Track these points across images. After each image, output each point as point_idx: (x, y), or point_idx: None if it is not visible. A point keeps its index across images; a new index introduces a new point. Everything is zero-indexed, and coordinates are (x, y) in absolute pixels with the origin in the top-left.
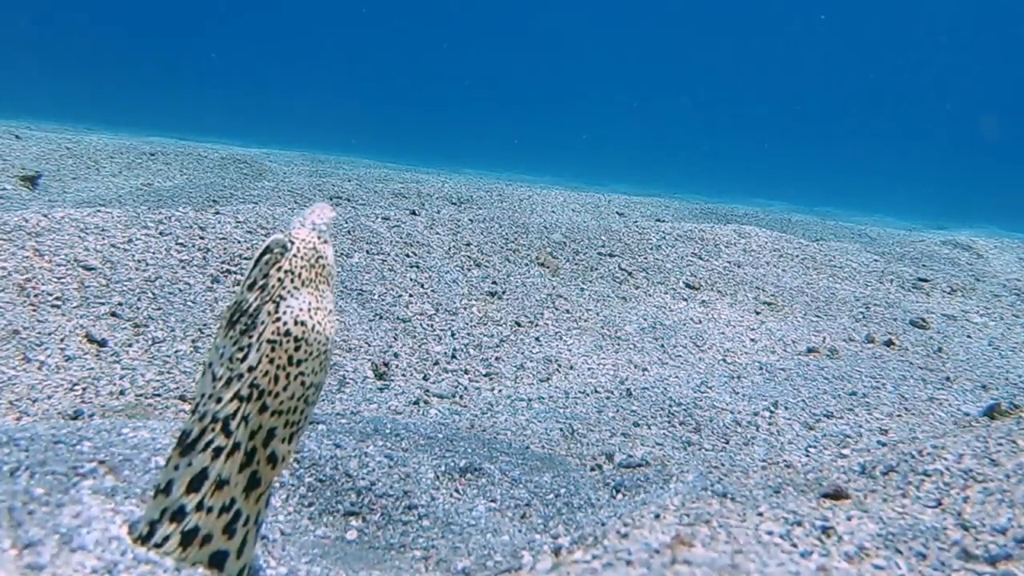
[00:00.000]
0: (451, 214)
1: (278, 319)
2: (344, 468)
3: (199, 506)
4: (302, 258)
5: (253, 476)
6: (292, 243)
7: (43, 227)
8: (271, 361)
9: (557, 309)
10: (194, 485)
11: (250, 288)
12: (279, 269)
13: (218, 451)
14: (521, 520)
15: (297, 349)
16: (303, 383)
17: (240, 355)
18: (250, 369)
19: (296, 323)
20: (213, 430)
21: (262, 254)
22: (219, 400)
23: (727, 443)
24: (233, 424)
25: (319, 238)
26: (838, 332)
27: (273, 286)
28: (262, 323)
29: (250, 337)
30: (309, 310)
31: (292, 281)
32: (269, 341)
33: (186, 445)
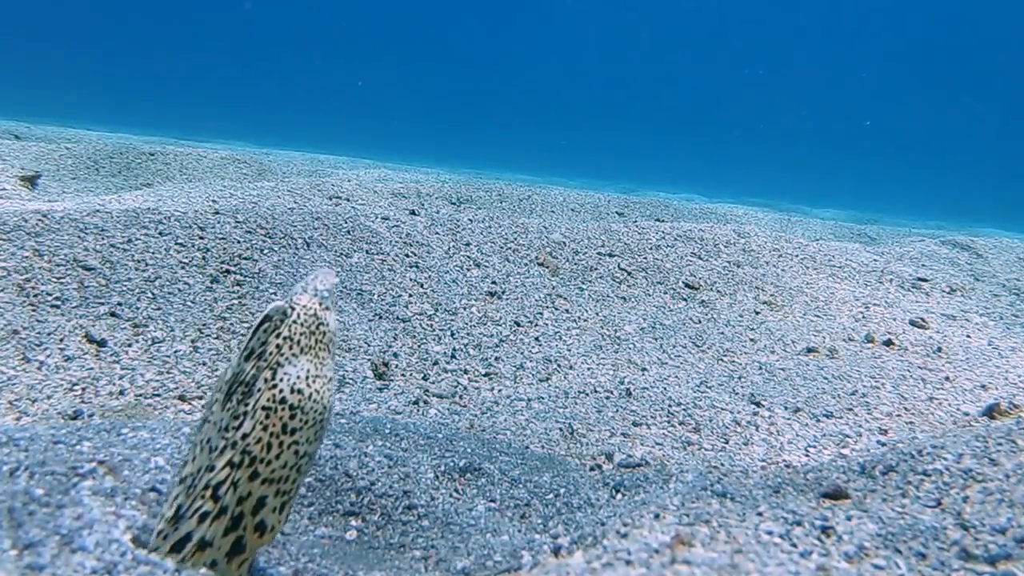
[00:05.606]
0: (450, 214)
1: (274, 386)
2: (344, 468)
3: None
4: (302, 324)
5: (238, 541)
6: (292, 309)
7: (43, 227)
8: (265, 428)
9: (557, 309)
10: (176, 547)
11: (247, 358)
12: (278, 336)
13: (204, 516)
14: (521, 520)
15: (292, 417)
16: (296, 452)
17: (235, 423)
18: (243, 436)
19: (293, 391)
20: (203, 497)
21: (261, 323)
22: (212, 469)
23: (727, 443)
24: (222, 490)
25: (320, 304)
26: (838, 332)
27: (271, 353)
28: (258, 390)
29: (246, 405)
30: (307, 378)
31: (291, 348)
32: (264, 408)
33: (178, 517)
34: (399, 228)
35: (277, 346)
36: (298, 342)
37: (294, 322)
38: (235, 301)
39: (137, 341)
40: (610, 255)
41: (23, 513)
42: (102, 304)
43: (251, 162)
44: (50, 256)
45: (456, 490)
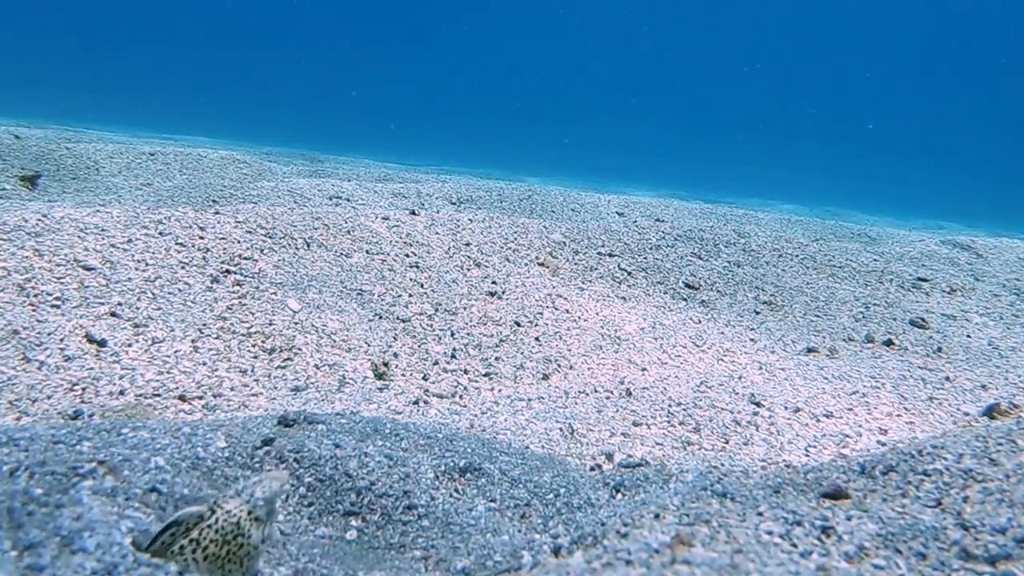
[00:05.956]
0: (450, 214)
1: None
2: (344, 468)
3: None
4: (217, 531)
5: None
6: (212, 512)
7: (43, 227)
8: None
9: (557, 309)
10: None
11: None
12: (187, 536)
13: None
14: (521, 520)
15: None
16: None
17: None
18: None
19: None
20: None
21: (166, 527)
22: None
23: (727, 443)
24: None
25: (249, 514)
26: (838, 332)
27: (173, 552)
28: None
29: None
30: None
31: (194, 552)
32: None
33: None
34: (399, 228)
35: (181, 547)
36: (205, 548)
37: (208, 526)
38: (235, 301)
39: (137, 341)
40: (610, 255)
41: (23, 514)
42: (102, 304)
43: (251, 162)
44: (50, 256)
45: (456, 490)
